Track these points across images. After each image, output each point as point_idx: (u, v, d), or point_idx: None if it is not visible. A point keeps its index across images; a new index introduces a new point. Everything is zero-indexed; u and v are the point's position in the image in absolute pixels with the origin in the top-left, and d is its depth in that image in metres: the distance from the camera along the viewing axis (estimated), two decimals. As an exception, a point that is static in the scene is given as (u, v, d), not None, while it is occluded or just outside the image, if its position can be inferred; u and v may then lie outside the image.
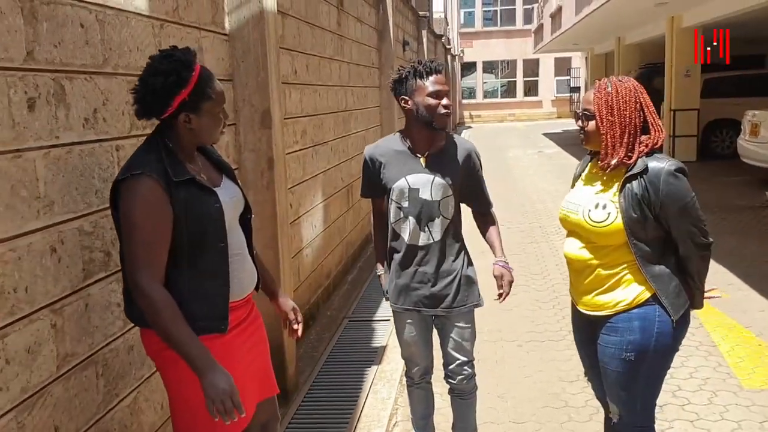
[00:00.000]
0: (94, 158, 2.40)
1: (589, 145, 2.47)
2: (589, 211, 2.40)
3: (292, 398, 4.06)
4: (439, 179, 2.83)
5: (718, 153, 14.30)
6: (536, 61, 35.73)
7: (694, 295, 2.43)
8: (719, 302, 5.31)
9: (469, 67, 37.48)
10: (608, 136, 2.35)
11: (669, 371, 3.96)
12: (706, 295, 2.50)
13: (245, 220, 2.39)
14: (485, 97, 37.52)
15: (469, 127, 33.08)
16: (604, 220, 2.35)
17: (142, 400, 2.66)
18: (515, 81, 36.82)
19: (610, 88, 2.37)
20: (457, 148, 2.93)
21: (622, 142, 2.33)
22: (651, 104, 2.38)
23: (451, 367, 3.02)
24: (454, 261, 2.91)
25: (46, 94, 2.13)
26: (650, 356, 2.37)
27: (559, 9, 18.08)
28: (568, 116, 32.20)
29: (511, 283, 2.95)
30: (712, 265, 6.50)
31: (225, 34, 3.74)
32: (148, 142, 2.15)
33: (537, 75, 36.24)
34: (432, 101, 2.75)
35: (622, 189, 2.33)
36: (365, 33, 8.15)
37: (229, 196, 2.26)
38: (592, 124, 2.40)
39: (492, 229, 3.05)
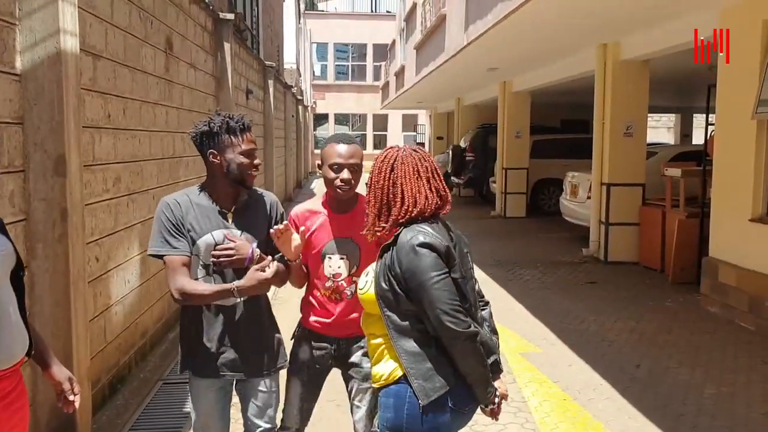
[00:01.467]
0: None
1: None
2: (360, 277, 2.39)
3: (83, 473, 3.68)
4: (247, 235, 2.72)
5: (546, 210, 15.28)
6: (385, 116, 36.90)
7: (472, 387, 2.22)
8: (533, 357, 5.53)
9: (322, 118, 38.01)
10: (368, 205, 2.35)
11: (478, 429, 4.06)
12: (486, 411, 2.29)
13: (17, 278, 2.14)
14: (337, 148, 38.07)
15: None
16: (363, 288, 2.32)
17: None
18: (366, 134, 37.75)
19: (377, 158, 2.36)
20: (261, 201, 2.83)
21: (373, 211, 2.31)
22: (411, 174, 2.27)
23: None
24: (260, 322, 2.79)
25: None
26: None
27: (402, 68, 18.82)
28: (414, 170, 33.32)
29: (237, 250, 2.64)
30: (529, 318, 6.76)
31: (16, 74, 3.44)
32: None
33: (386, 129, 37.41)
34: (245, 160, 2.67)
35: (380, 258, 2.29)
36: (201, 79, 7.94)
37: None
38: None
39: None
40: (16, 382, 2.11)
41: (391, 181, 2.27)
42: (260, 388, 2.81)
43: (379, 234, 2.31)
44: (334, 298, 2.86)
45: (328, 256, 2.81)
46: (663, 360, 5.51)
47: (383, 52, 33.83)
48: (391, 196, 2.27)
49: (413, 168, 2.28)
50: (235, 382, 2.84)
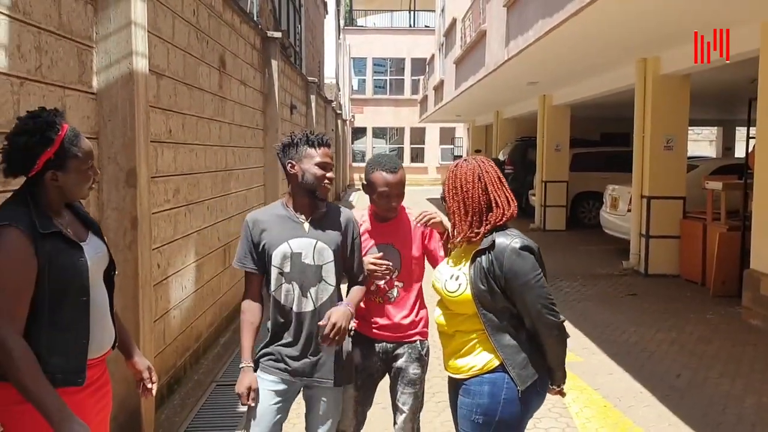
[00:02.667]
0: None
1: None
2: (446, 281, 2.56)
3: (148, 466, 3.92)
4: (321, 244, 2.83)
5: (585, 223, 15.28)
6: (423, 130, 37.12)
7: (553, 371, 2.52)
8: (573, 365, 5.63)
9: (359, 132, 38.40)
10: (455, 216, 2.53)
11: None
12: (556, 390, 2.59)
13: (109, 277, 2.40)
14: (375, 161, 38.46)
15: (359, 189, 33.62)
16: (456, 290, 2.50)
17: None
18: (403, 147, 38.04)
19: (455, 170, 2.55)
20: (338, 214, 2.96)
21: (466, 219, 2.49)
22: (497, 182, 2.51)
23: None
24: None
25: None
26: (497, 421, 2.45)
27: (441, 83, 19.03)
28: (452, 183, 33.53)
29: (336, 324, 2.72)
30: (570, 329, 6.85)
31: (92, 93, 3.73)
32: (16, 195, 2.18)
33: (423, 143, 37.64)
34: (319, 171, 2.81)
35: (472, 262, 2.47)
36: (250, 95, 8.26)
37: (94, 252, 2.29)
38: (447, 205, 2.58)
39: (358, 290, 3.01)
40: (102, 371, 2.36)
41: (481, 190, 2.49)
42: (324, 398, 2.89)
43: (474, 240, 2.50)
44: (378, 301, 3.07)
45: None
46: (703, 370, 5.58)
47: (421, 66, 34.12)
48: (483, 203, 2.49)
49: (496, 177, 2.53)
50: (303, 389, 2.93)
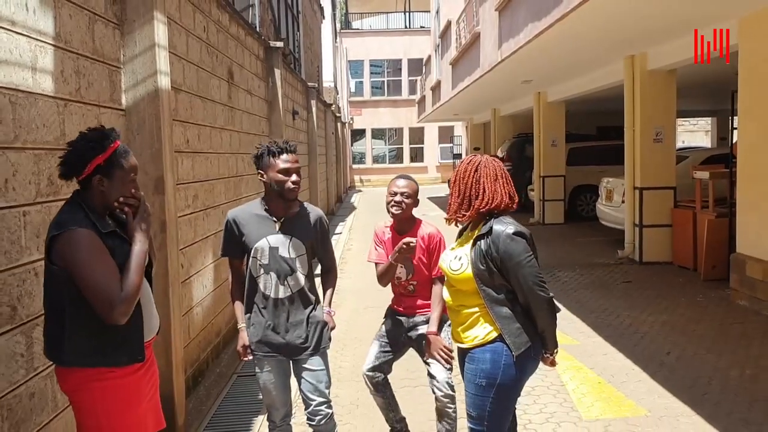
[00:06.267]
0: (3, 223, 2.70)
1: None
2: (450, 261, 2.99)
3: (181, 448, 4.29)
4: (295, 240, 3.34)
5: (583, 215, 15.64)
6: (421, 129, 37.46)
7: (545, 339, 2.89)
8: (570, 347, 6.01)
9: (358, 134, 38.76)
10: (452, 197, 3.01)
11: (522, 408, 4.57)
12: (549, 360, 2.96)
13: (146, 273, 2.73)
14: (374, 162, 38.80)
15: (360, 190, 33.98)
16: (458, 269, 2.92)
17: (41, 443, 2.89)
18: (402, 147, 38.39)
19: (462, 162, 3.01)
20: (309, 213, 3.47)
21: (457, 201, 2.95)
22: (491, 176, 2.90)
23: (309, 409, 3.39)
24: (307, 309, 3.39)
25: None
26: (498, 384, 2.83)
27: (439, 83, 19.37)
28: (452, 181, 33.83)
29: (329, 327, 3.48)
30: (567, 315, 7.22)
31: (122, 110, 4.11)
32: (70, 203, 2.51)
33: (422, 142, 37.99)
34: (281, 177, 3.26)
35: (473, 245, 2.88)
36: (256, 104, 8.64)
37: None
38: None
39: (329, 284, 3.63)
40: (150, 353, 2.73)
41: (474, 179, 2.92)
42: (310, 366, 3.39)
43: (460, 220, 2.97)
44: (401, 292, 3.89)
45: None
46: (691, 348, 5.95)
47: (418, 66, 34.45)
48: (473, 191, 2.91)
49: (493, 172, 2.94)
50: (291, 362, 3.44)
